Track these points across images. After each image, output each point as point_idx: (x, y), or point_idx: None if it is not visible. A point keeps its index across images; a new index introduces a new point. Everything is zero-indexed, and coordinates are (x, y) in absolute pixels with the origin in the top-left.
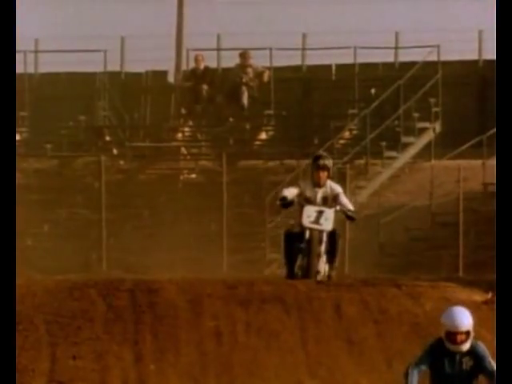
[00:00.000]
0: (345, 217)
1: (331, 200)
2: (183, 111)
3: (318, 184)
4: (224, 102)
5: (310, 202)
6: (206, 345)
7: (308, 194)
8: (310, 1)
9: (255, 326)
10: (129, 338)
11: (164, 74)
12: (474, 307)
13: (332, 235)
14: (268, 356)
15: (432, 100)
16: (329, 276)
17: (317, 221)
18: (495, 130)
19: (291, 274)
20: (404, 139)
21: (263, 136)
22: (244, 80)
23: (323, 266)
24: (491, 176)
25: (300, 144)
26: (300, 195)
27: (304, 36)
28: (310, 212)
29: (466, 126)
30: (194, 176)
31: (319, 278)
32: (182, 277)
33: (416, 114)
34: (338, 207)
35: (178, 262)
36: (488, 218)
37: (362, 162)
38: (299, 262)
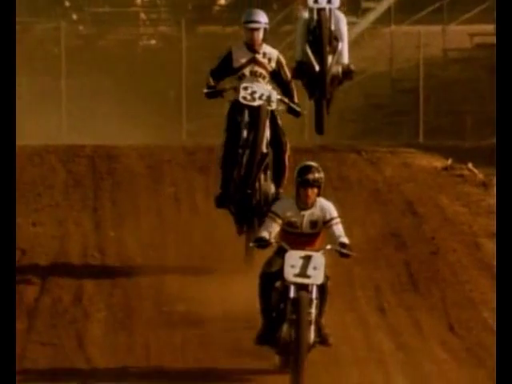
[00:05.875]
0: (338, 254)
1: (321, 224)
2: None
3: (304, 205)
4: None
5: (295, 227)
6: (165, 211)
7: (292, 217)
8: None
9: (214, 193)
10: (88, 205)
11: None
12: (433, 173)
13: (321, 290)
14: (227, 222)
15: None
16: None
17: (303, 272)
18: None
19: (265, 333)
20: (364, 4)
21: (222, 1)
22: None
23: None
24: (451, 42)
25: (260, 6)
26: (283, 221)
27: None
28: (293, 260)
29: None
30: (153, 42)
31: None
32: (142, 143)
33: None
34: (328, 246)
35: (137, 129)
36: (448, 83)
37: None
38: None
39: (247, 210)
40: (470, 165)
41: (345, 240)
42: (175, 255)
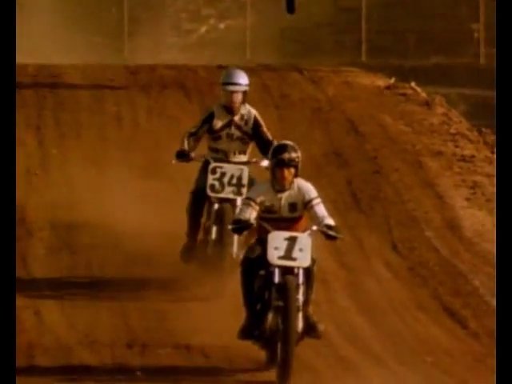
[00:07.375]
0: (324, 237)
1: (301, 207)
2: None
3: (281, 187)
4: None
5: (273, 211)
6: (107, 129)
7: (268, 202)
8: None
9: (156, 111)
10: (31, 124)
11: None
12: (376, 92)
13: (307, 274)
14: (168, 141)
15: None
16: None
17: (289, 254)
18: None
19: (249, 326)
20: None
21: None
22: None
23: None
24: None
25: None
26: (259, 206)
27: None
28: (277, 241)
29: None
30: None
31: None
32: (84, 63)
33: None
34: (314, 227)
35: (79, 48)
36: (390, 2)
37: None
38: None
39: None
40: (413, 83)
41: (330, 221)
42: (117, 172)
